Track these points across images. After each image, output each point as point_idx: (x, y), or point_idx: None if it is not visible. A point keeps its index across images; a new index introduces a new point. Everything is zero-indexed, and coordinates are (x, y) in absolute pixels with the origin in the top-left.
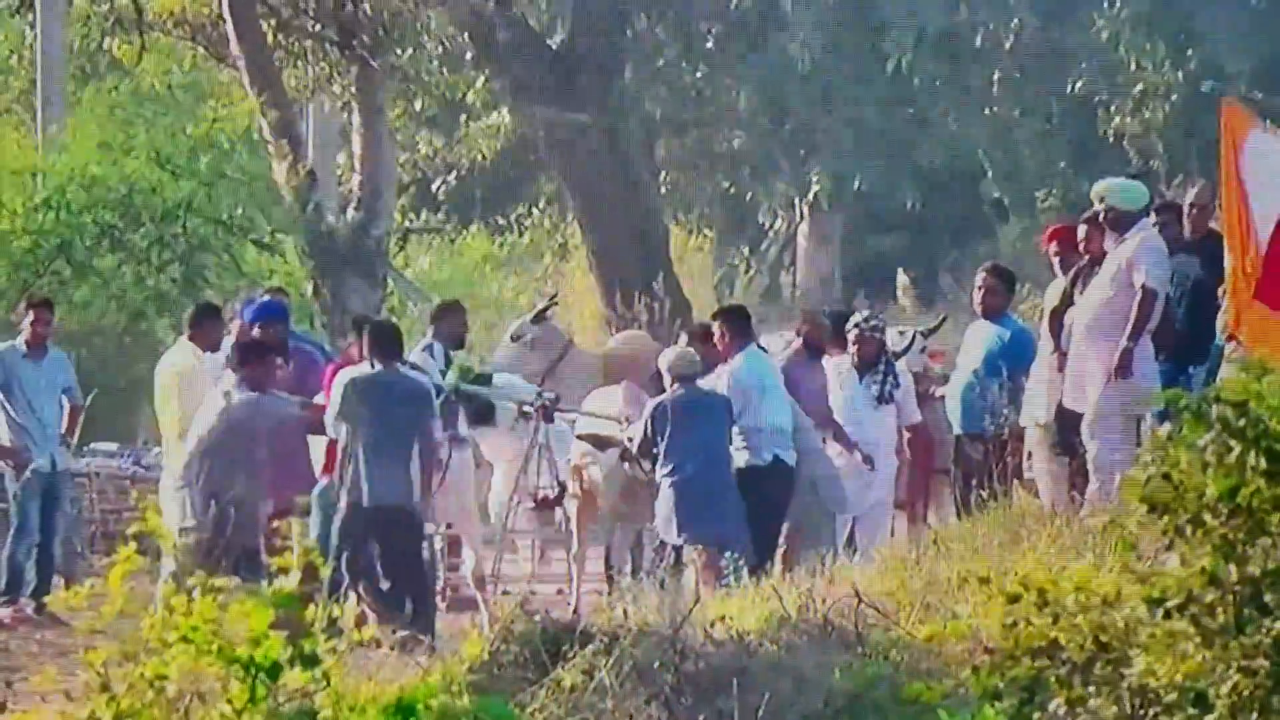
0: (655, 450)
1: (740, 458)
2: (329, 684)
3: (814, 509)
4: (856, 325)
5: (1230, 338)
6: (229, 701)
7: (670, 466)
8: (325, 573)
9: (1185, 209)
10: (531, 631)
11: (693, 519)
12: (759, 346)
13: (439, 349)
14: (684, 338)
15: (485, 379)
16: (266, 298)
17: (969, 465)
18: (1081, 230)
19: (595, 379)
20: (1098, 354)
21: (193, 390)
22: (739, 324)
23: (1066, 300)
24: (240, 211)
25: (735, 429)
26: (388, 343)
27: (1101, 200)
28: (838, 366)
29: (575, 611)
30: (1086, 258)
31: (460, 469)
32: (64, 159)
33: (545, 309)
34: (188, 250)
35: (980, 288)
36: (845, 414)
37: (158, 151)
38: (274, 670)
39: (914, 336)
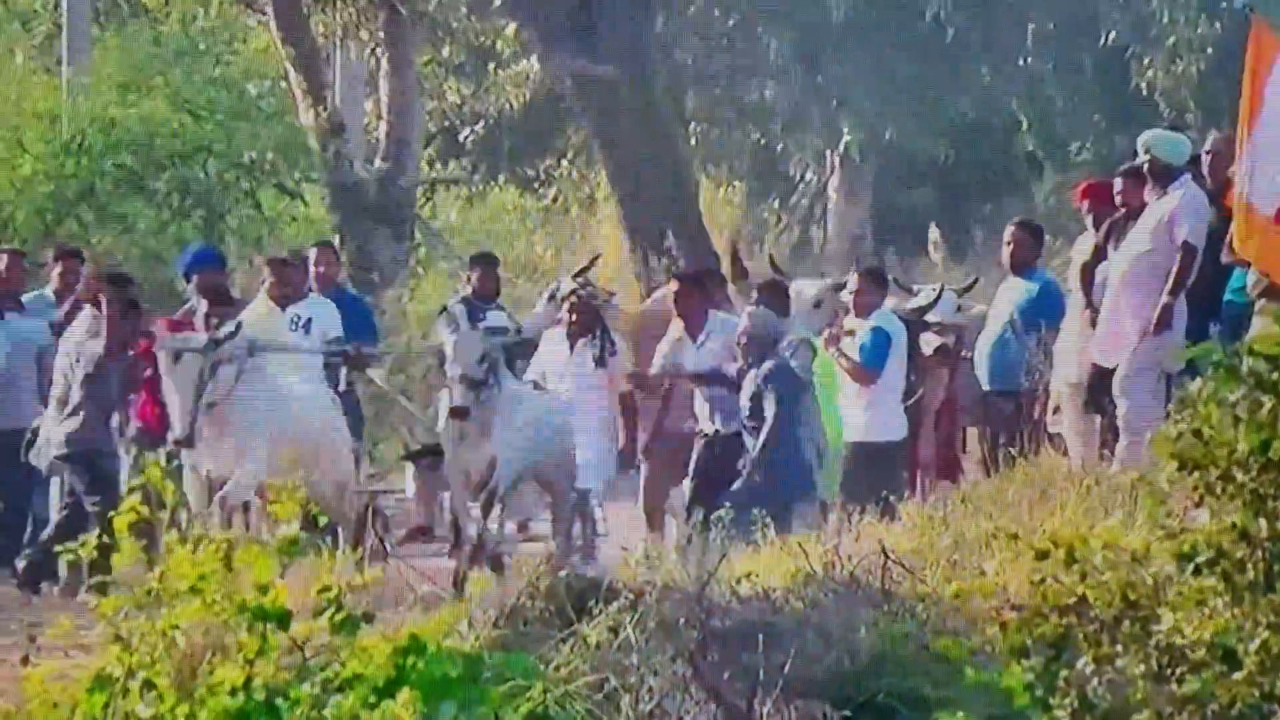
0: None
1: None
2: (354, 637)
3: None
4: (573, 291)
5: (1261, 294)
6: (240, 650)
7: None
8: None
9: (1202, 157)
10: (557, 587)
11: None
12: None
13: (460, 307)
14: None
15: None
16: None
17: (998, 422)
18: (1118, 183)
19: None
20: (1132, 309)
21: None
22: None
23: (1098, 254)
24: (266, 156)
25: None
26: None
27: (1146, 151)
28: (549, 335)
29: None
30: (1122, 211)
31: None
32: (85, 102)
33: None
34: (208, 195)
35: (1008, 243)
36: (558, 379)
37: (178, 93)
38: (284, 619)
39: (940, 291)
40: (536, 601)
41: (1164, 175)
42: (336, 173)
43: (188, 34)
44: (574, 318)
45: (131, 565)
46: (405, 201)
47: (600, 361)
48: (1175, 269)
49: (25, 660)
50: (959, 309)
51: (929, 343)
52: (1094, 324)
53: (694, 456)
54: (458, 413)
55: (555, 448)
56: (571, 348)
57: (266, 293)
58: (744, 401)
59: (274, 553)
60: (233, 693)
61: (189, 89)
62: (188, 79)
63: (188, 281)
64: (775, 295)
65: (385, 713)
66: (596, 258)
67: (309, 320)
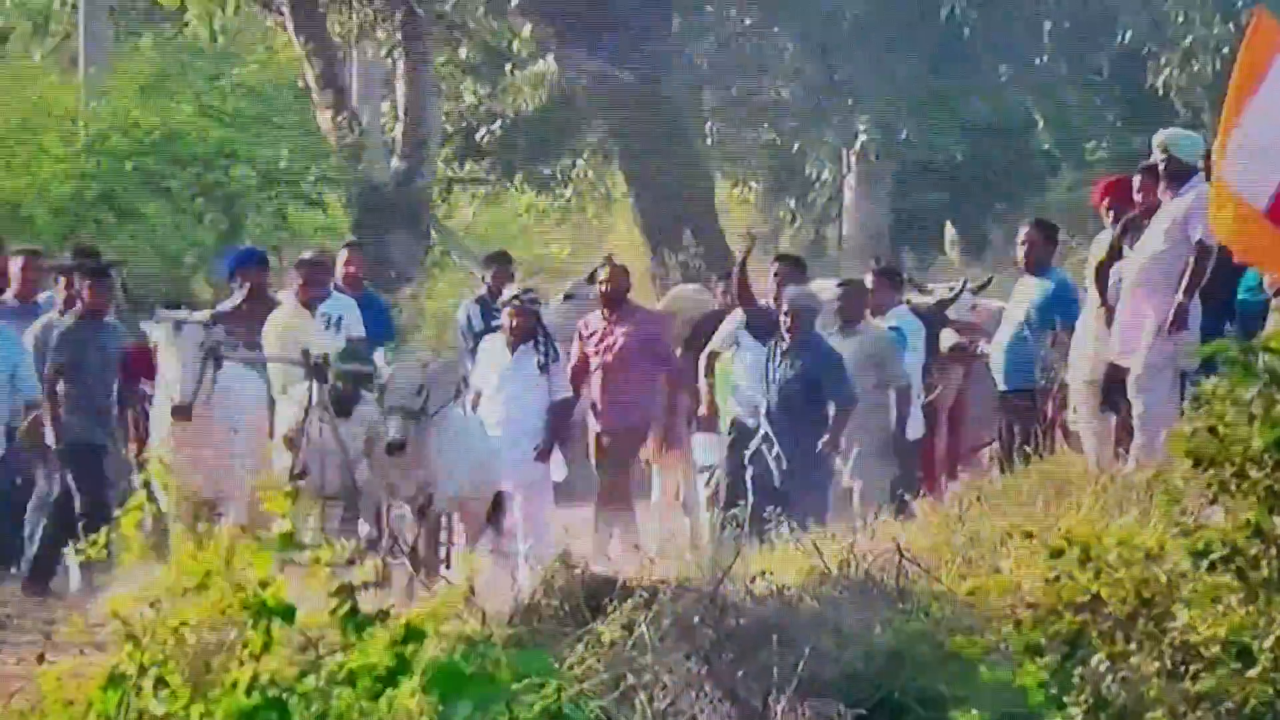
0: None
1: None
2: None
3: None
4: (515, 297)
5: (1278, 292)
6: (245, 645)
7: None
8: None
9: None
10: (571, 585)
11: None
12: None
13: (474, 307)
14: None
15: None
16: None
17: (1014, 421)
18: (1136, 181)
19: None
20: (1147, 308)
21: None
22: None
23: (1114, 253)
24: (283, 164)
25: None
26: None
27: (1163, 150)
28: (492, 340)
29: None
30: (1139, 209)
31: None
32: (106, 104)
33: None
34: (228, 199)
35: (1023, 242)
36: (500, 385)
37: (198, 96)
38: (287, 614)
39: (963, 285)
40: (551, 599)
41: (1179, 174)
42: (354, 172)
43: (212, 35)
44: (514, 323)
45: (139, 562)
46: (422, 201)
47: (543, 367)
48: (1190, 268)
49: (40, 658)
50: (973, 307)
51: (946, 339)
52: (1109, 322)
53: (722, 453)
54: (393, 447)
55: (483, 473)
56: (513, 353)
57: (296, 295)
58: (785, 373)
59: (271, 548)
60: (247, 691)
61: (213, 93)
62: (211, 82)
63: (231, 280)
64: (797, 271)
65: (390, 702)
66: (609, 258)
67: (339, 319)
